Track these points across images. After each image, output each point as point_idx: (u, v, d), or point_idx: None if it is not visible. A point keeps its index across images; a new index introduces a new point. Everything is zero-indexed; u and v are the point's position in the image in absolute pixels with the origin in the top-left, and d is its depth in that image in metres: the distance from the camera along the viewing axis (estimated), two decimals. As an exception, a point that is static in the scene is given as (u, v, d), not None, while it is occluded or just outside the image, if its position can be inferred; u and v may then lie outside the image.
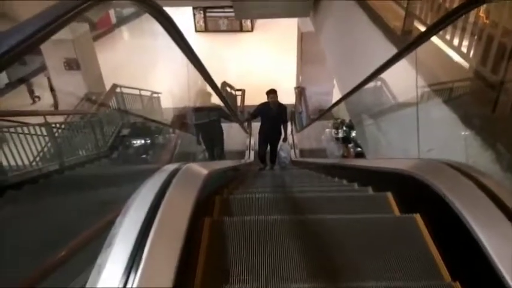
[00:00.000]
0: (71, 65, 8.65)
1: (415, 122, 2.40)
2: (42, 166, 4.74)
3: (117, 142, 6.74)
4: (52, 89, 10.25)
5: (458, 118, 1.97)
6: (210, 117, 5.77)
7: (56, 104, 10.39)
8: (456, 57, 2.31)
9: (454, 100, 2.11)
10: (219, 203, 1.76)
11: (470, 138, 1.85)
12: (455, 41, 2.29)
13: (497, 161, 1.61)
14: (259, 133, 6.45)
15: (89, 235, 1.57)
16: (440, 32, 2.32)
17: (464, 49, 2.19)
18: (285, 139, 6.53)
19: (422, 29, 2.71)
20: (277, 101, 5.85)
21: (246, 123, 7.62)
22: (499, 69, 1.81)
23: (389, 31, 3.05)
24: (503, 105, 1.73)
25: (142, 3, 1.17)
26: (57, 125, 5.25)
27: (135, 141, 7.13)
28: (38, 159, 4.79)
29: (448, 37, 2.34)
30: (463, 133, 1.91)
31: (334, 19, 5.45)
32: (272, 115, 5.90)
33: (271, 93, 5.79)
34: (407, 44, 1.94)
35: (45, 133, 4.80)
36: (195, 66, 1.87)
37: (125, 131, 7.29)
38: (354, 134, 7.57)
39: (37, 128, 4.70)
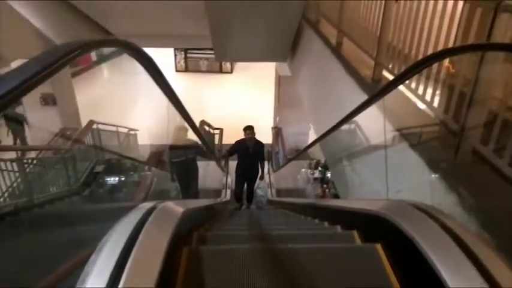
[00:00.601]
0: (47, 100, 8.58)
1: (383, 166, 2.53)
2: (10, 203, 4.57)
3: (90, 179, 6.59)
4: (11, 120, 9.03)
5: (424, 162, 2.09)
6: (187, 155, 5.77)
7: (20, 140, 9.18)
8: (422, 106, 2.48)
9: (421, 145, 2.24)
10: (185, 261, 1.50)
11: (436, 182, 1.95)
12: (421, 90, 2.47)
13: (460, 203, 1.71)
14: (236, 171, 6.26)
15: (55, 276, 1.52)
16: (407, 82, 2.51)
17: (428, 97, 2.37)
18: (262, 177, 6.37)
19: (391, 77, 2.91)
20: (254, 138, 5.78)
21: (223, 162, 7.60)
22: (460, 117, 1.96)
23: (361, 79, 3.24)
24: (464, 151, 1.86)
25: (125, 47, 1.23)
26: (29, 161, 5.12)
27: (109, 179, 6.98)
28: (6, 195, 4.63)
29: (413, 86, 2.52)
30: (428, 176, 2.02)
31: (310, 66, 5.73)
32: (249, 152, 5.81)
33: (248, 129, 5.72)
34: (375, 92, 2.08)
35: (16, 169, 4.68)
36: (173, 104, 1.92)
37: (99, 168, 7.16)
38: (329, 174, 7.71)
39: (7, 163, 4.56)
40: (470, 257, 1.12)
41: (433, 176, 2.00)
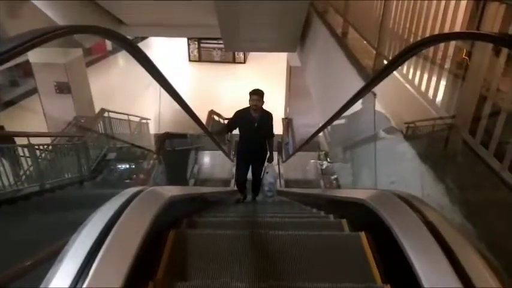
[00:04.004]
0: (62, 88, 8.76)
1: (381, 158, 2.53)
2: (22, 187, 4.75)
3: (101, 166, 6.75)
4: None
5: (416, 154, 2.09)
6: (193, 145, 5.78)
7: None
8: (421, 100, 2.45)
9: (414, 137, 2.24)
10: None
11: (425, 173, 1.95)
12: (422, 84, 2.44)
13: (447, 193, 1.71)
14: (237, 151, 5.05)
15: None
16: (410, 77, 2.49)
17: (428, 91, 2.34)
18: (271, 159, 5.03)
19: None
20: (261, 108, 4.43)
21: (230, 150, 7.36)
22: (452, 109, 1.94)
23: (362, 69, 3.22)
24: (454, 142, 1.85)
25: (109, 35, 1.27)
26: (41, 147, 5.27)
27: (119, 166, 7.14)
28: (18, 180, 4.80)
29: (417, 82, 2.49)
30: (419, 168, 2.02)
31: (317, 56, 5.69)
32: (254, 126, 4.45)
33: (255, 94, 4.30)
34: (367, 82, 2.08)
35: (27, 154, 4.84)
36: (165, 89, 1.95)
37: (111, 155, 7.33)
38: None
39: (20, 149, 4.72)
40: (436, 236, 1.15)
41: (423, 167, 2.00)
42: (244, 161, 4.94)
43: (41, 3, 6.60)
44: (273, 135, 4.81)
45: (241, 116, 4.50)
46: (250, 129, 4.50)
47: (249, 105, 4.38)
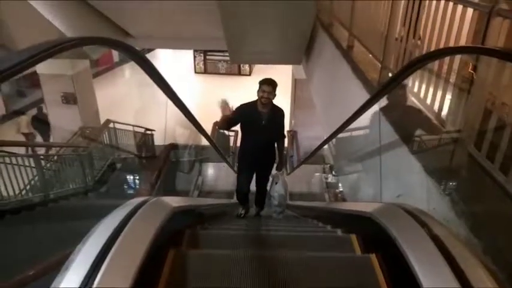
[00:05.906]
0: (68, 99, 8.87)
1: (387, 170, 2.52)
2: (26, 198, 4.76)
3: (106, 176, 6.77)
4: None
5: (422, 167, 2.07)
6: (197, 156, 5.80)
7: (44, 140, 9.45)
8: (426, 113, 2.45)
9: (420, 151, 2.23)
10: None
11: (431, 186, 1.94)
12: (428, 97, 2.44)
13: (452, 207, 1.70)
14: (239, 154, 4.10)
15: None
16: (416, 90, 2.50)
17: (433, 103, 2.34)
18: (280, 166, 4.19)
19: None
20: (271, 102, 3.66)
21: (231, 159, 7.20)
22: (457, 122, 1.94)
23: (367, 82, 3.23)
24: (460, 156, 1.84)
25: (119, 47, 1.29)
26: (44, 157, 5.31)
27: (123, 176, 7.16)
28: (23, 190, 4.82)
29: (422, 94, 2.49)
30: (425, 181, 2.00)
31: (322, 68, 5.72)
32: (261, 124, 3.66)
33: (267, 84, 3.53)
34: (371, 96, 2.08)
35: (32, 164, 4.87)
36: (171, 100, 1.97)
37: (115, 166, 7.36)
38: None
39: (25, 159, 4.75)
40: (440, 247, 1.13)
41: (430, 180, 1.99)
42: (247, 167, 4.05)
43: (46, 12, 6.71)
44: (284, 136, 4.03)
45: (246, 111, 3.68)
46: (257, 127, 3.68)
47: (256, 99, 3.65)
